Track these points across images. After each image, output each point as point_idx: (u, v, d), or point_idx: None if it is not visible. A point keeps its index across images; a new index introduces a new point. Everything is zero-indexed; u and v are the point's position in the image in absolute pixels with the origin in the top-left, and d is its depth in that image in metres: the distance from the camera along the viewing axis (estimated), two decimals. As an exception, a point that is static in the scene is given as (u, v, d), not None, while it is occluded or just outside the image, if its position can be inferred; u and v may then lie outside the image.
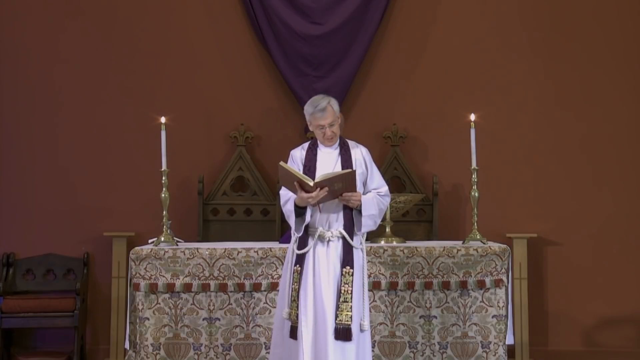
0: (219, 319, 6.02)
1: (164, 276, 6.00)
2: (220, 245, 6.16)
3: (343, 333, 4.93)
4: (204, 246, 6.15)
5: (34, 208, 7.10)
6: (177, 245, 6.18)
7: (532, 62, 7.18)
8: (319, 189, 4.91)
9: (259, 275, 6.03)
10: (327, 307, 4.94)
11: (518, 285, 6.93)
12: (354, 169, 5.09)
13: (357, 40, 7.09)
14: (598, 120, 7.17)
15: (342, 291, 4.97)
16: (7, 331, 6.76)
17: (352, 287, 4.98)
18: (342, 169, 5.10)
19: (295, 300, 5.01)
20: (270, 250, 6.04)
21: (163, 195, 6.26)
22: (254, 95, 7.20)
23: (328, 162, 5.14)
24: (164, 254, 6.01)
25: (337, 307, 4.95)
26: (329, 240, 5.05)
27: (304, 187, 4.94)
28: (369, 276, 5.90)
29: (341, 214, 5.07)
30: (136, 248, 6.12)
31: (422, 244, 6.20)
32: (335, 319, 4.94)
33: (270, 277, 6.01)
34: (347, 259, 5.03)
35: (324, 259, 5.02)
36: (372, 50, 7.17)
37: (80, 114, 7.15)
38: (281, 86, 7.19)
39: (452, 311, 6.05)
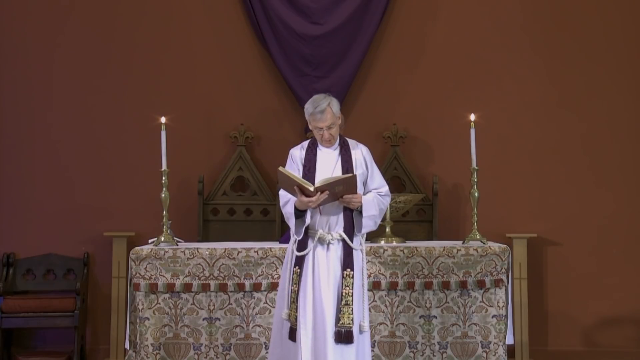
0: (219, 319, 6.02)
1: (164, 276, 6.00)
2: (220, 245, 6.17)
3: (345, 336, 4.92)
4: (204, 246, 6.15)
5: (34, 208, 7.10)
6: (177, 245, 6.18)
7: (532, 62, 7.18)
8: (319, 193, 4.89)
9: (259, 275, 6.03)
10: (327, 310, 4.93)
11: (518, 285, 6.93)
12: (354, 169, 5.08)
13: (357, 40, 7.09)
14: (599, 120, 7.17)
15: (344, 294, 4.95)
16: (7, 331, 6.76)
17: (352, 289, 4.97)
18: (342, 169, 5.08)
19: (294, 301, 5.00)
20: (270, 250, 6.05)
21: (163, 195, 6.26)
22: (254, 95, 7.20)
23: (328, 162, 5.12)
24: (164, 254, 6.01)
25: (339, 311, 4.94)
26: (329, 243, 5.04)
27: (304, 191, 4.92)
28: (369, 276, 5.90)
29: (341, 216, 5.05)
30: (136, 248, 6.12)
31: (422, 244, 6.21)
32: (337, 322, 4.93)
33: (270, 277, 6.01)
34: (347, 262, 5.01)
35: (324, 262, 5.01)
36: (372, 50, 7.17)
37: (80, 114, 7.15)
38: (281, 86, 7.18)
39: (452, 311, 6.05)
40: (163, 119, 6.31)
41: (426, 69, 7.20)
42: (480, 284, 6.05)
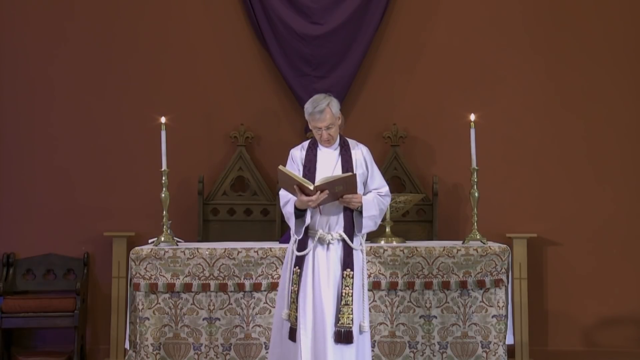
0: (219, 319, 6.02)
1: (164, 276, 6.00)
2: (220, 245, 6.17)
3: (345, 336, 4.91)
4: (204, 246, 6.15)
5: (34, 208, 7.10)
6: (177, 245, 6.18)
7: (532, 62, 7.18)
8: (319, 192, 4.89)
9: (259, 275, 6.03)
10: (327, 310, 4.92)
11: (518, 285, 6.93)
12: (354, 169, 5.08)
13: (357, 40, 7.09)
14: (599, 120, 7.17)
15: (344, 294, 4.95)
16: (7, 331, 6.76)
17: (352, 289, 4.97)
18: (343, 169, 5.08)
19: (294, 301, 4.99)
20: (270, 250, 6.05)
21: (163, 195, 6.26)
22: (254, 95, 7.20)
23: (328, 162, 5.12)
24: (164, 254, 6.02)
25: (339, 311, 4.93)
26: (329, 243, 5.03)
27: (304, 191, 4.92)
28: (369, 276, 5.90)
29: (341, 216, 5.05)
30: (136, 248, 6.12)
31: (422, 244, 6.21)
32: (337, 322, 4.92)
33: (270, 277, 6.01)
34: (347, 262, 5.01)
35: (324, 262, 5.00)
36: (372, 50, 7.17)
37: (81, 114, 7.15)
38: (281, 86, 7.19)
39: (452, 311, 6.05)
40: (163, 119, 6.31)
41: (426, 69, 7.20)
42: (480, 284, 6.05)
